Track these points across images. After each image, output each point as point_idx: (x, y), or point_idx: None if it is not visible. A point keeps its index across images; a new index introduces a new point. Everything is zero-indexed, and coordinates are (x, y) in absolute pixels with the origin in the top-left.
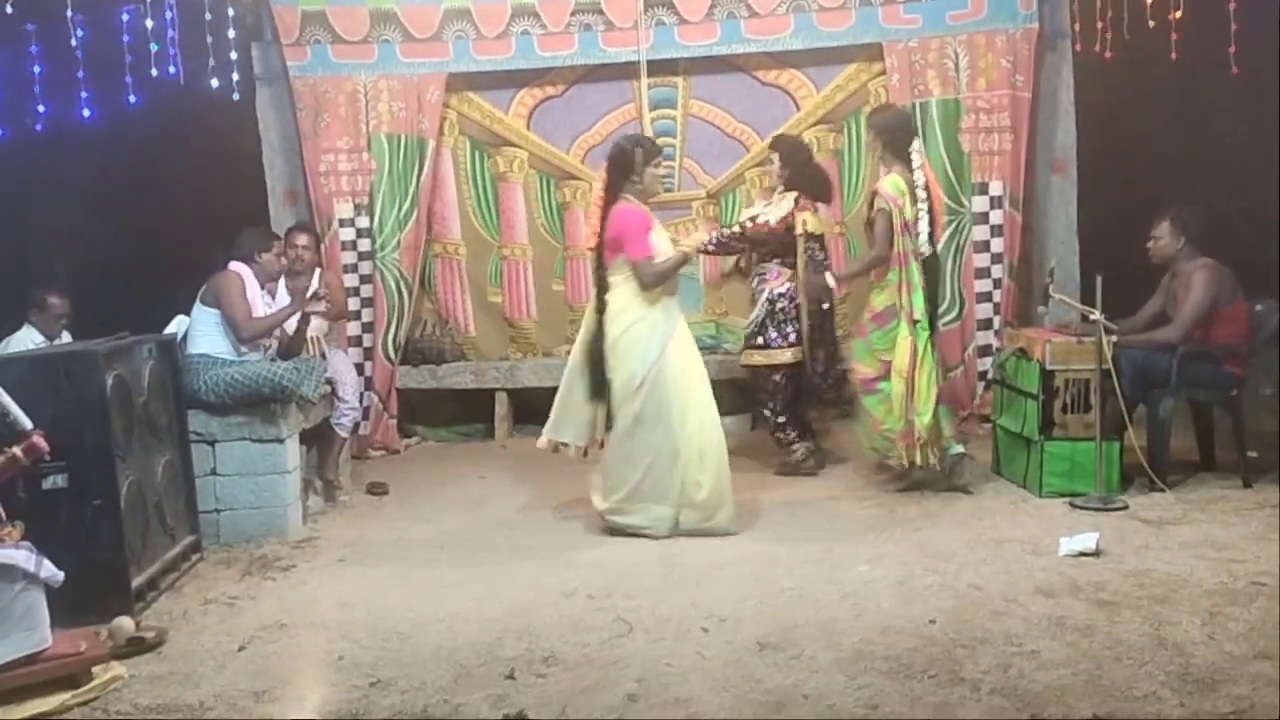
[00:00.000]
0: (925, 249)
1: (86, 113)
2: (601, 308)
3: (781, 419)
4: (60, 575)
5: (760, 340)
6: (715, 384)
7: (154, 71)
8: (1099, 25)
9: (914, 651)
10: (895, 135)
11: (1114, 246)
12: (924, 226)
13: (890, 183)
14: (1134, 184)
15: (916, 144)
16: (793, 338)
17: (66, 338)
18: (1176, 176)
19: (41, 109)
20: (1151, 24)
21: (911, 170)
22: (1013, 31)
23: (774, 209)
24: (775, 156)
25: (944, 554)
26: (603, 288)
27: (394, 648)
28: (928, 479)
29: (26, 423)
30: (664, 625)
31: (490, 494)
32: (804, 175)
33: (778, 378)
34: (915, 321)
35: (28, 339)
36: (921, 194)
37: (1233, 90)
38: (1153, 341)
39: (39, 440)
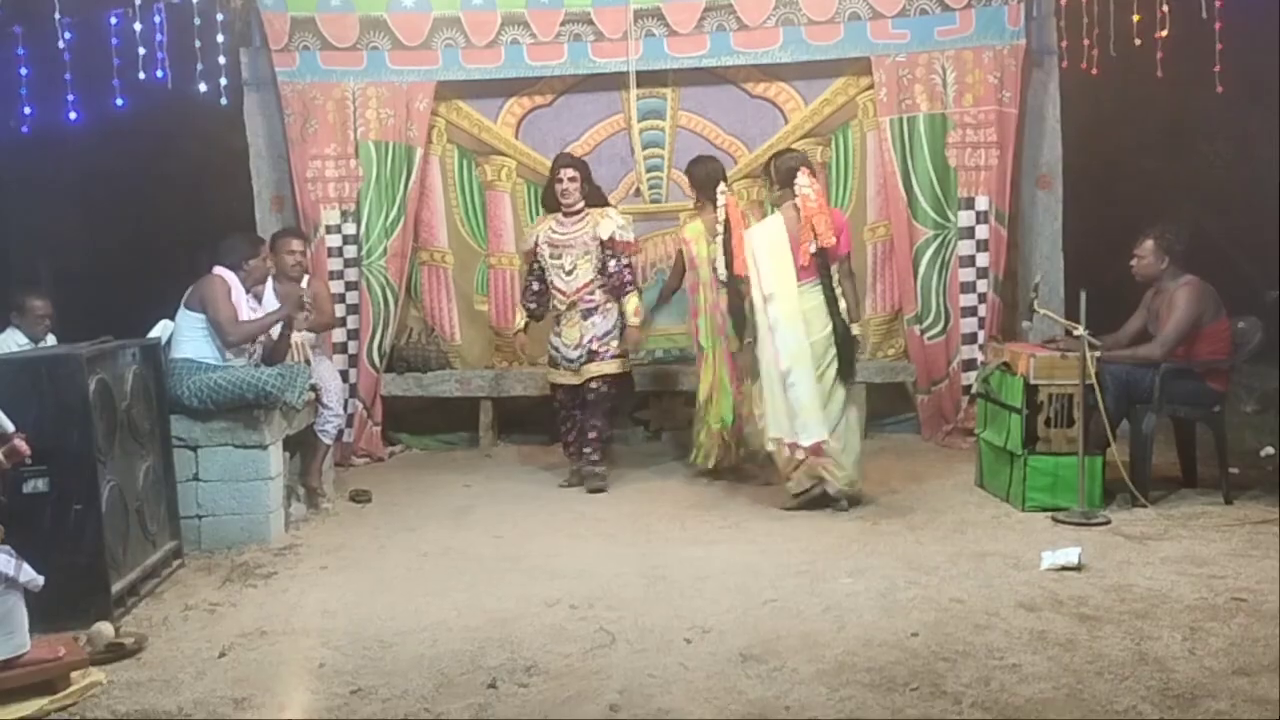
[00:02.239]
0: (723, 275)
1: (73, 115)
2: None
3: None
4: (40, 580)
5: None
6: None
7: (142, 75)
8: (1085, 42)
9: (896, 664)
10: (704, 184)
11: (1098, 262)
12: (720, 258)
13: (691, 228)
14: (1119, 201)
15: (722, 187)
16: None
17: (50, 340)
18: (1161, 194)
19: (28, 111)
20: (1138, 42)
21: (715, 211)
22: (1000, 48)
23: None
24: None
25: (926, 567)
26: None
27: (375, 656)
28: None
29: (8, 425)
30: (647, 636)
31: (474, 503)
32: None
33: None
34: (700, 345)
35: (11, 341)
36: (719, 230)
37: (1217, 108)
38: (1136, 358)
39: (20, 443)
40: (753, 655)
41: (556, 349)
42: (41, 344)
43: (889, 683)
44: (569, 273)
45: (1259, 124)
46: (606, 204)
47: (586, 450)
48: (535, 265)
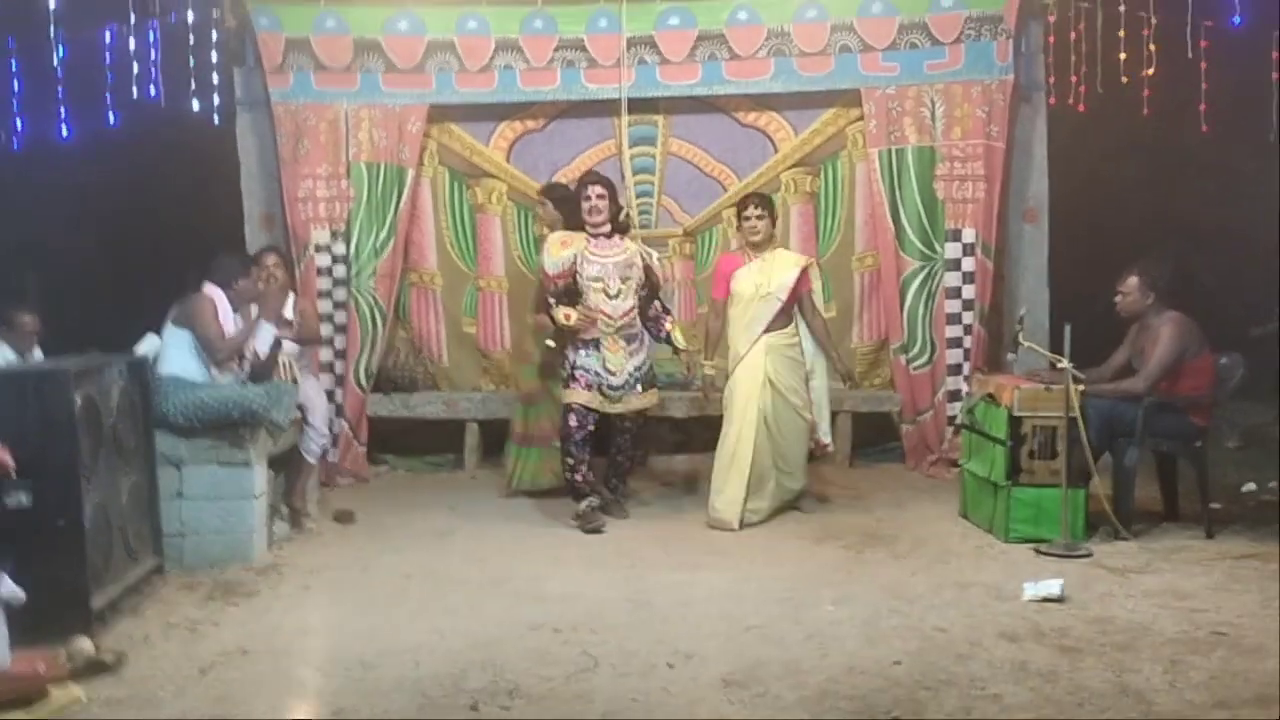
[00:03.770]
0: None
1: (65, 131)
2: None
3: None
4: (21, 594)
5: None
6: (688, 420)
7: (135, 92)
8: (1073, 79)
9: (878, 692)
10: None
11: (1084, 296)
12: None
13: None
14: (1104, 235)
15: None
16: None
17: (37, 354)
18: (1146, 229)
19: (20, 125)
20: (1125, 79)
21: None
22: (989, 82)
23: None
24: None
25: (909, 596)
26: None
27: (357, 677)
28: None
29: None
30: (630, 660)
31: (458, 525)
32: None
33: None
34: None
35: None
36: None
37: (1203, 146)
38: (1119, 391)
39: (4, 456)
40: (735, 681)
41: (592, 371)
42: (28, 358)
43: (871, 710)
44: (613, 296)
45: (1244, 162)
46: (627, 227)
47: (614, 481)
48: (561, 286)
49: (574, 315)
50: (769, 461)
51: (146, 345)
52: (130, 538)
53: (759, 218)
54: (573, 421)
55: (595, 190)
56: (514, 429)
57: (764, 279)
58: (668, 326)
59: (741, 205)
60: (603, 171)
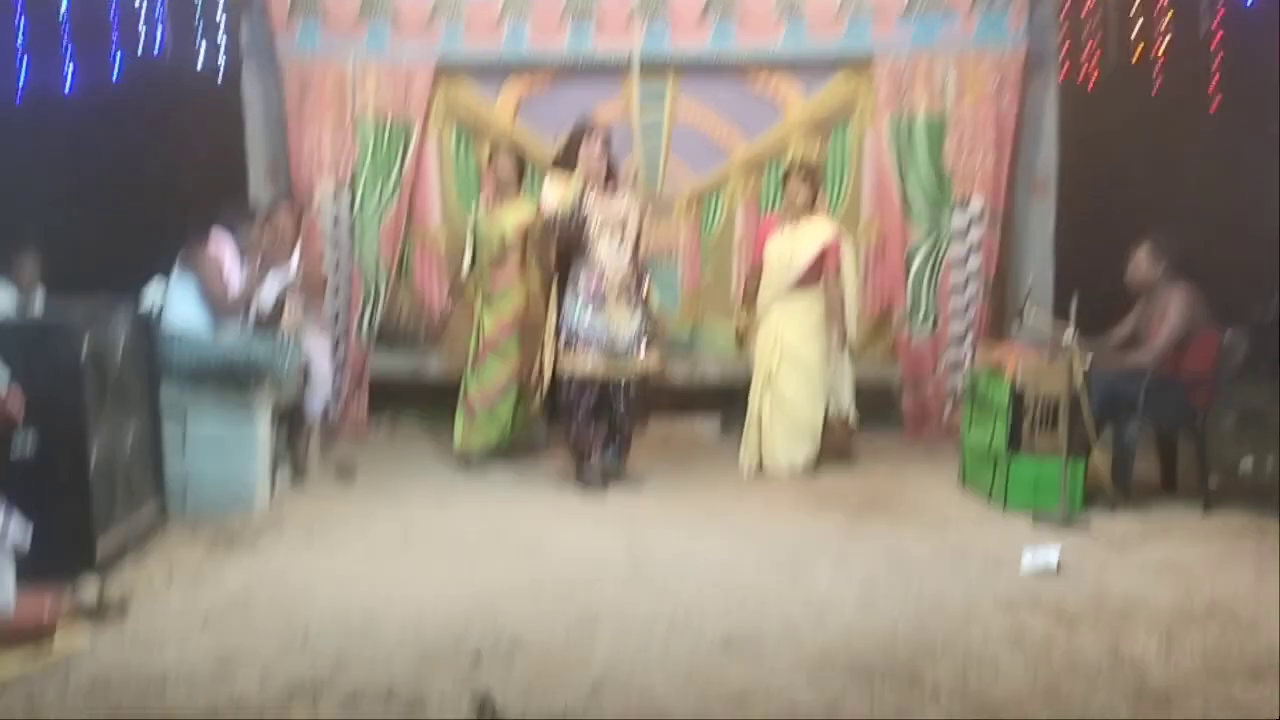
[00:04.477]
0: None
1: (70, 79)
2: None
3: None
4: (27, 539)
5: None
6: (688, 384)
7: (141, 42)
8: (1085, 52)
9: (875, 656)
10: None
11: (1090, 268)
12: None
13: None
14: (1111, 209)
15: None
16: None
17: (38, 296)
18: (1153, 205)
19: (24, 75)
20: (1136, 56)
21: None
22: (1000, 52)
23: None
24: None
25: (907, 563)
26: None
27: (359, 626)
28: None
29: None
30: (629, 619)
31: (458, 482)
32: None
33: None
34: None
35: (2, 296)
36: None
37: (1212, 124)
38: (1125, 364)
39: (16, 406)
40: (734, 642)
41: (594, 330)
42: (31, 297)
43: (868, 673)
44: (619, 251)
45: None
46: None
47: (615, 446)
48: (565, 231)
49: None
50: (774, 418)
51: (154, 290)
52: (134, 485)
53: (801, 182)
54: (575, 391)
55: (602, 134)
56: (467, 392)
57: (790, 245)
58: (646, 287)
59: (786, 172)
60: (611, 132)
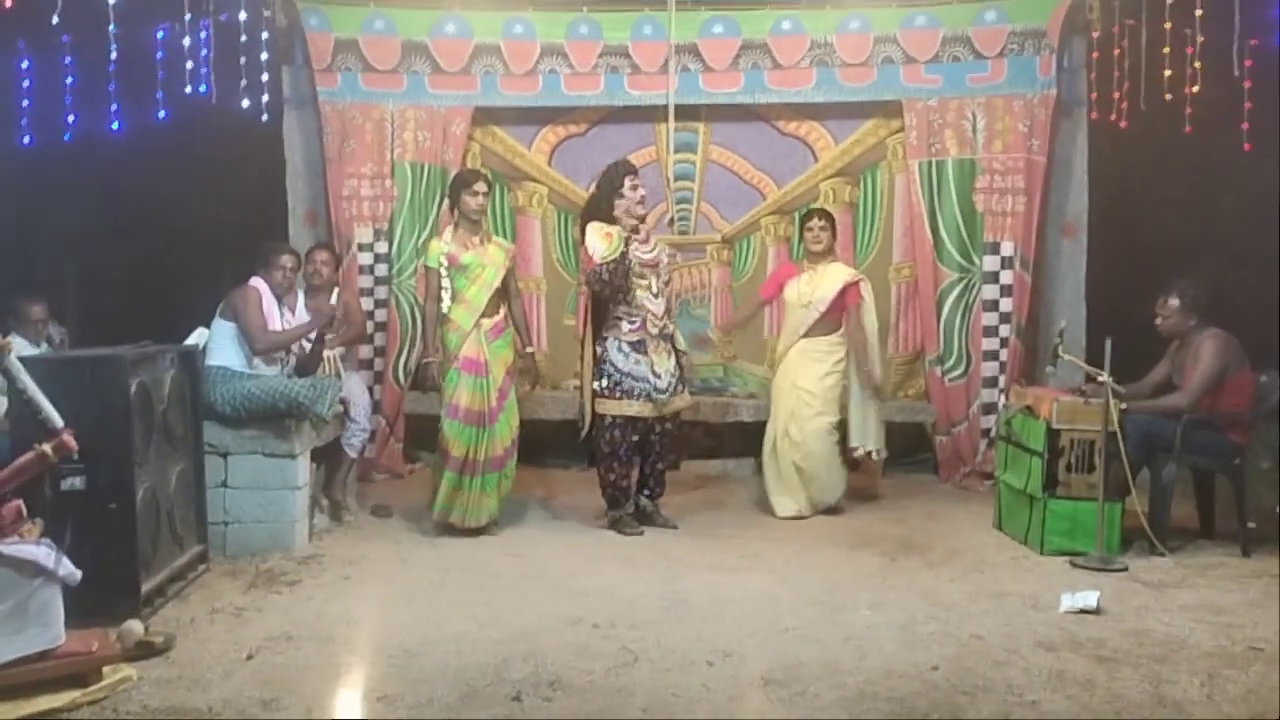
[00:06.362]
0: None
1: (115, 125)
2: None
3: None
4: (78, 574)
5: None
6: (721, 426)
7: (187, 88)
8: (1115, 95)
9: (916, 695)
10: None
11: (1121, 312)
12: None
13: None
14: (1143, 252)
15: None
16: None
17: (45, 345)
18: (1184, 247)
19: (72, 119)
20: (1168, 97)
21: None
22: (1030, 97)
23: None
24: None
25: (945, 603)
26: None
27: (400, 664)
28: None
29: (58, 421)
30: (669, 657)
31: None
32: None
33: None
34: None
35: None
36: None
37: (1244, 165)
38: (1160, 408)
39: (69, 439)
40: (774, 680)
41: (641, 378)
42: (38, 348)
43: (909, 713)
44: (656, 296)
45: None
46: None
47: (653, 486)
48: (615, 278)
49: (615, 236)
50: (793, 461)
51: (195, 338)
52: (177, 524)
53: (822, 229)
54: (619, 434)
55: (638, 181)
56: (449, 450)
57: (810, 289)
58: (672, 328)
59: (806, 216)
60: (644, 177)
